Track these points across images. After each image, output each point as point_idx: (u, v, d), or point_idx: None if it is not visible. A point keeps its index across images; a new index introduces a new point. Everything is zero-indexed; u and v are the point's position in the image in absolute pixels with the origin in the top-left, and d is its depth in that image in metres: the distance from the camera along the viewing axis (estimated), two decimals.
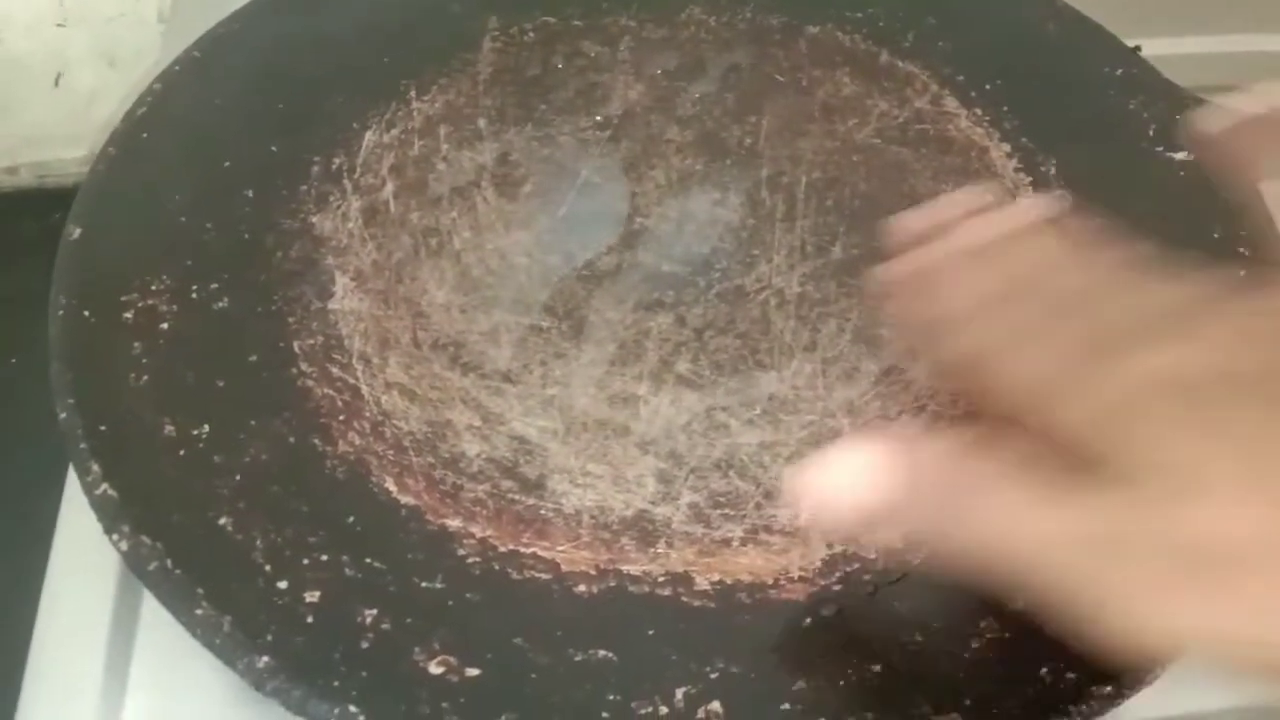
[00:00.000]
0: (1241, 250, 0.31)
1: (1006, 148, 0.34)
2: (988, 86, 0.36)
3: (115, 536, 0.23)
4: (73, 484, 0.31)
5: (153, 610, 0.28)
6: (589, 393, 0.29)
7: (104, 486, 0.24)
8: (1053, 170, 0.34)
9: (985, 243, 0.22)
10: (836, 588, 0.24)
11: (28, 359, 0.56)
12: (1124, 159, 0.34)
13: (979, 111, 0.36)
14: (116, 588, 0.28)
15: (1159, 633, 0.16)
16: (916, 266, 0.22)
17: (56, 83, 0.57)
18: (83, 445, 0.24)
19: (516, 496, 0.26)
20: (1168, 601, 0.15)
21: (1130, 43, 0.36)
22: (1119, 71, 0.36)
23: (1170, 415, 0.17)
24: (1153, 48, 0.37)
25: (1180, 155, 0.33)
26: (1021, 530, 0.17)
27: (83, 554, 0.29)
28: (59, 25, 0.54)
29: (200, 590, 0.22)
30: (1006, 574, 0.17)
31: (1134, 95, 0.35)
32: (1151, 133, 0.34)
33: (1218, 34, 0.42)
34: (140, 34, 0.54)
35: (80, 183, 0.63)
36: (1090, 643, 0.16)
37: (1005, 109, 0.35)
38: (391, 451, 0.27)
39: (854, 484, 0.18)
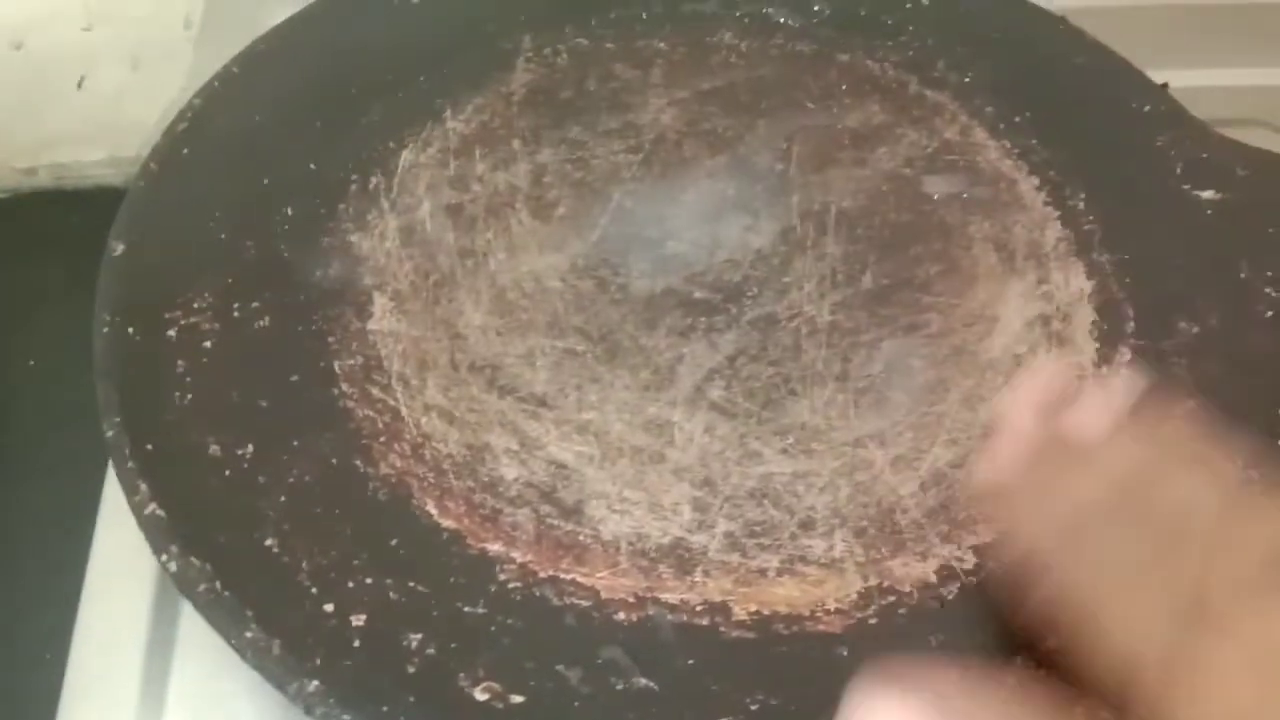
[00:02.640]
0: (1269, 291, 0.31)
1: (1035, 180, 0.35)
2: (1016, 119, 0.36)
3: (164, 557, 0.23)
4: (108, 500, 0.31)
5: (189, 628, 0.29)
6: (624, 418, 0.29)
7: (152, 506, 0.24)
8: (1081, 204, 0.34)
9: (1092, 438, 0.20)
10: (873, 620, 0.25)
11: (44, 359, 0.56)
12: (1151, 195, 0.34)
13: (1008, 143, 0.36)
14: (153, 605, 0.29)
15: None
16: (1022, 466, 0.20)
17: (79, 85, 0.57)
18: (130, 464, 0.25)
19: (555, 522, 0.27)
20: None
21: (1157, 78, 0.37)
22: (1147, 108, 0.36)
23: None
24: (1179, 80, 0.37)
25: (1208, 194, 0.33)
26: None
27: (119, 571, 0.29)
28: (84, 29, 0.54)
29: (249, 613, 0.22)
30: None
31: (1162, 132, 0.35)
32: (1179, 170, 0.34)
33: (1243, 68, 0.43)
34: (165, 38, 0.54)
35: (99, 185, 0.63)
36: None
37: (1034, 141, 0.36)
38: (432, 474, 0.27)
39: None
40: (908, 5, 0.39)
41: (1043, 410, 0.21)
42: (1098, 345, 0.31)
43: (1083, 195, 0.35)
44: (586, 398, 0.29)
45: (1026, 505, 0.20)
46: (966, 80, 0.37)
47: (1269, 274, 0.31)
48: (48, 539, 0.49)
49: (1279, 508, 0.18)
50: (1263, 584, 0.16)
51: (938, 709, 0.17)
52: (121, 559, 0.29)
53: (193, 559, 0.23)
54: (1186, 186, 0.34)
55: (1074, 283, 0.32)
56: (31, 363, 0.55)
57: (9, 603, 0.47)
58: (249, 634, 0.22)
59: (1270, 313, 0.31)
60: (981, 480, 0.22)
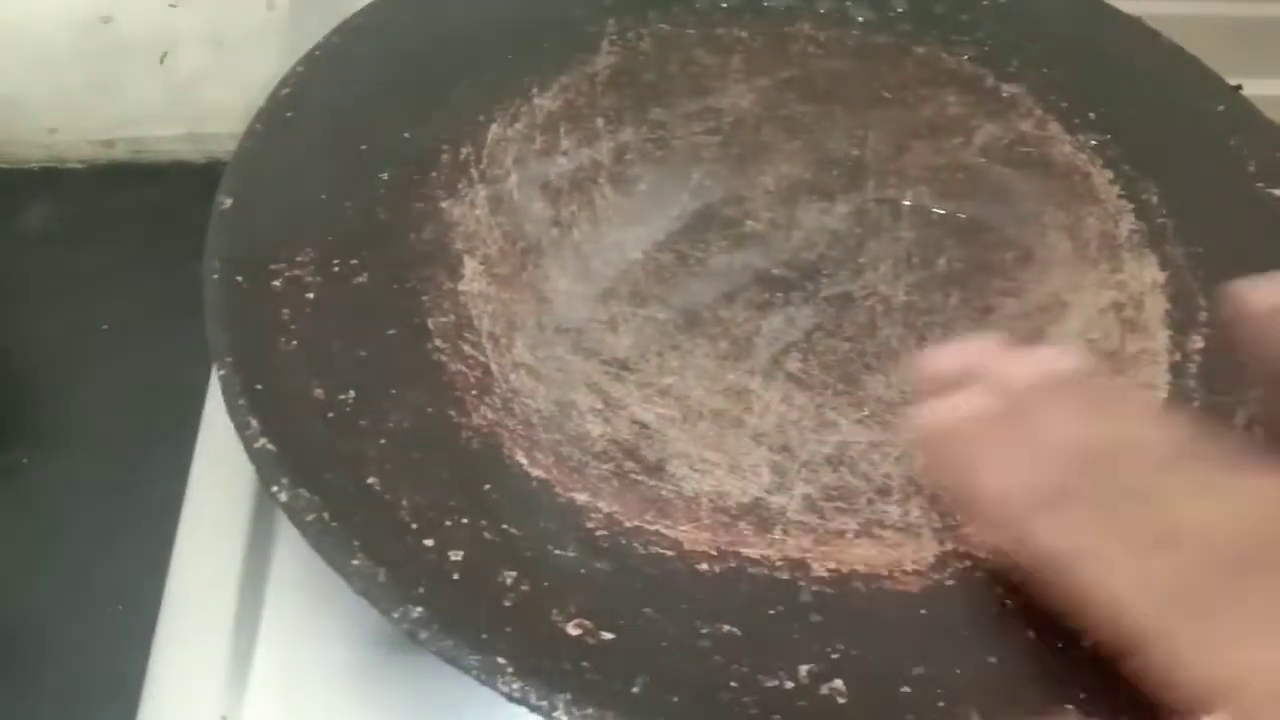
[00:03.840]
0: None
1: (1109, 174, 0.36)
2: (1091, 114, 0.37)
3: (275, 488, 0.24)
4: (204, 447, 0.32)
5: (281, 568, 0.30)
6: (703, 384, 0.30)
7: (262, 441, 0.25)
8: (1154, 199, 0.35)
9: (1026, 394, 0.21)
10: (950, 582, 0.25)
11: (116, 326, 0.57)
12: (1225, 191, 0.35)
13: (1082, 138, 0.37)
14: (245, 549, 0.30)
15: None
16: (957, 419, 0.21)
17: (161, 61, 0.59)
18: (241, 401, 0.26)
19: (639, 477, 0.27)
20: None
21: (1231, 82, 0.37)
22: (1220, 108, 0.37)
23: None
24: (1252, 88, 0.38)
25: (1279, 192, 0.34)
26: None
27: (212, 516, 0.30)
28: (171, 5, 0.56)
29: (356, 543, 0.23)
30: None
31: (1235, 132, 0.36)
32: (1252, 168, 0.35)
33: None
34: (248, 18, 0.56)
35: (175, 160, 0.65)
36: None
37: (1108, 136, 0.36)
38: (521, 427, 0.28)
39: None
40: (984, 2, 0.40)
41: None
42: (1170, 333, 0.31)
43: (1156, 190, 0.35)
44: (667, 363, 0.30)
45: (992, 478, 0.20)
46: (1041, 76, 0.38)
47: None
48: (125, 496, 0.50)
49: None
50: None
51: None
52: (216, 502, 0.31)
53: (302, 490, 0.24)
54: (1260, 184, 0.34)
55: (1147, 273, 0.33)
56: (105, 327, 0.57)
57: (79, 564, 0.49)
58: (356, 562, 0.23)
59: None
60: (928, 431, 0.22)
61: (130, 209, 0.63)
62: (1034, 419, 0.21)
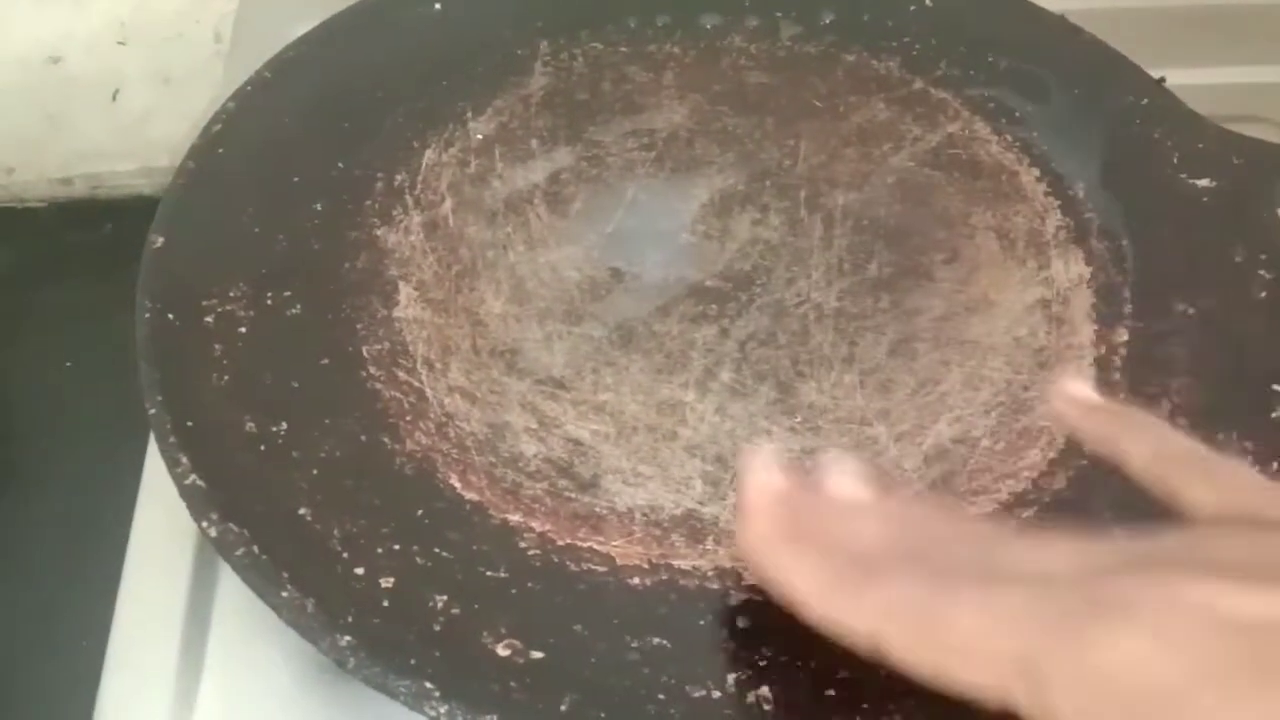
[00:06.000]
0: (1263, 273, 0.32)
1: (1036, 172, 0.36)
2: (1017, 114, 0.38)
3: (204, 523, 0.24)
4: (149, 482, 0.32)
5: (226, 598, 0.30)
6: (638, 399, 0.30)
7: (193, 477, 0.25)
8: (1080, 194, 0.35)
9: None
10: None
11: (81, 363, 0.58)
12: (1149, 184, 0.35)
13: (1009, 137, 0.37)
14: (191, 579, 0.30)
15: None
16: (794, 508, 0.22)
17: (114, 99, 0.59)
18: (171, 439, 0.26)
19: (572, 495, 0.28)
20: None
21: (1154, 74, 0.38)
22: (1144, 101, 0.37)
23: None
24: (1178, 78, 0.38)
25: (1203, 182, 0.34)
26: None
27: (158, 547, 0.31)
28: (119, 43, 0.56)
29: (285, 574, 0.24)
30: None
31: (1159, 125, 0.36)
32: (1175, 160, 0.35)
33: (1242, 65, 0.44)
34: (196, 54, 0.57)
35: (132, 194, 0.65)
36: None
37: (1034, 134, 0.37)
38: (455, 450, 0.28)
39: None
40: (910, 8, 0.41)
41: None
42: (1096, 327, 0.32)
43: (1082, 185, 0.36)
44: (602, 380, 0.31)
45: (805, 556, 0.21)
46: (968, 78, 0.39)
47: (1263, 257, 0.32)
48: (89, 531, 0.50)
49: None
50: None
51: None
52: (161, 535, 0.31)
53: (231, 525, 0.24)
54: (1183, 175, 0.35)
55: (1074, 269, 0.34)
56: (69, 364, 0.58)
57: (46, 599, 0.49)
58: (284, 594, 0.23)
59: (1264, 294, 0.32)
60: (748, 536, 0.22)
61: (91, 244, 0.63)
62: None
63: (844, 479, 0.22)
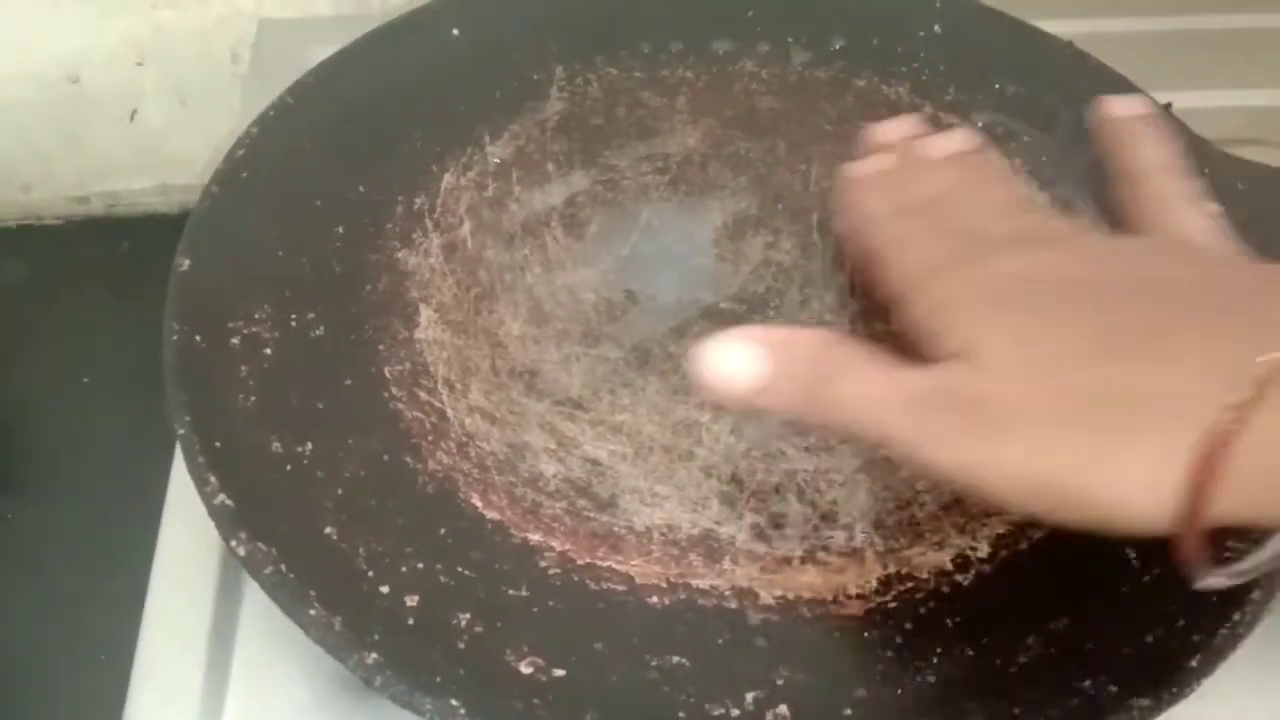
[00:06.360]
0: None
1: (1045, 197, 0.37)
2: (1026, 138, 0.38)
3: (233, 542, 0.25)
4: (173, 500, 0.33)
5: (250, 617, 0.30)
6: (654, 419, 0.31)
7: (221, 497, 0.26)
8: (1088, 219, 0.36)
9: (917, 160, 0.30)
10: (892, 604, 0.26)
11: (98, 378, 0.58)
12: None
13: (1019, 161, 0.38)
14: (215, 597, 0.30)
15: (947, 474, 0.21)
16: (865, 173, 0.30)
17: (131, 118, 0.60)
18: (200, 459, 0.26)
19: (591, 514, 0.28)
20: (951, 449, 0.21)
21: (1161, 99, 0.39)
22: None
23: (989, 305, 0.22)
24: (1184, 101, 0.39)
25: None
26: (867, 394, 0.22)
27: (183, 565, 0.31)
28: (138, 64, 0.57)
29: (312, 593, 0.24)
30: (857, 434, 0.23)
31: None
32: None
33: (1247, 89, 0.44)
34: (213, 75, 0.57)
35: (148, 213, 0.66)
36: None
37: (1043, 159, 0.38)
38: (476, 470, 0.29)
39: (738, 366, 0.23)
40: (920, 34, 0.41)
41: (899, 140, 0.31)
42: None
43: (1091, 210, 0.36)
44: (619, 401, 0.31)
45: (869, 202, 0.29)
46: (976, 103, 0.39)
47: None
48: (104, 546, 0.51)
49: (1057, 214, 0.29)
50: (1031, 242, 0.25)
51: (783, 332, 0.24)
52: (185, 554, 0.31)
53: (259, 544, 0.25)
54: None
55: None
56: (85, 380, 0.58)
57: (66, 614, 0.49)
58: (312, 612, 0.24)
59: None
60: (843, 179, 0.31)
61: (107, 261, 0.64)
62: (924, 182, 0.29)
63: None
